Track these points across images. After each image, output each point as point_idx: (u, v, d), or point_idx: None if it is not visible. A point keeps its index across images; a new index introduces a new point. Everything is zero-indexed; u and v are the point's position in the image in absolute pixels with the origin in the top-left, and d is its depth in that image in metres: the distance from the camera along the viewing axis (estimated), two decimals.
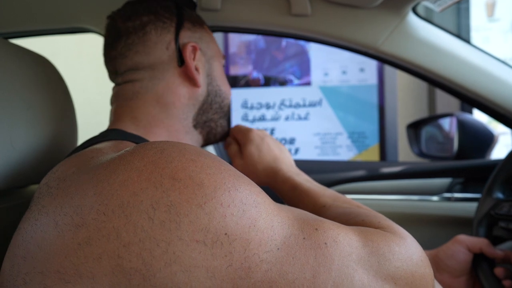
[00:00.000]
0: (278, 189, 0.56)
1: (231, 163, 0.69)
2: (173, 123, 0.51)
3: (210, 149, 1.00)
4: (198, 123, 0.54)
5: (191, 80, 0.52)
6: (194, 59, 0.52)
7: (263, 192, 0.32)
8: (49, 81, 0.52)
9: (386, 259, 0.33)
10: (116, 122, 0.50)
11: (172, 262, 0.27)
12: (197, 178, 0.29)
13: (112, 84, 0.55)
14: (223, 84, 0.57)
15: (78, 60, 1.67)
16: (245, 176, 0.32)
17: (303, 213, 0.34)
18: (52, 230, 0.29)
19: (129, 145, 0.42)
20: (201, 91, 0.53)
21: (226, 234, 0.28)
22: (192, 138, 0.54)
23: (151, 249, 0.27)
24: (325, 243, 0.31)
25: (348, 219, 0.42)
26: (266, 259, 0.28)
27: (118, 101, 0.51)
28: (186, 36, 0.52)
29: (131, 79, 0.51)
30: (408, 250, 0.35)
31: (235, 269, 0.28)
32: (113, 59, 0.52)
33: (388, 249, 0.34)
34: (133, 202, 0.28)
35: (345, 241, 0.32)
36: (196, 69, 0.52)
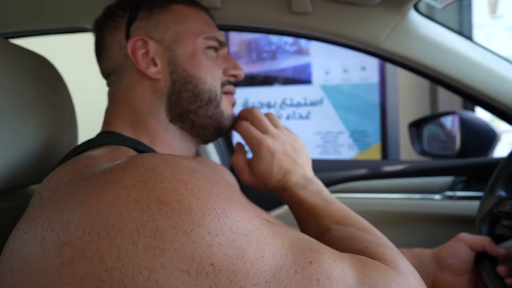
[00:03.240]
0: (287, 204, 0.53)
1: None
2: (148, 121, 0.49)
3: (214, 155, 0.99)
4: (174, 117, 0.50)
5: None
6: (147, 52, 0.48)
7: (258, 217, 0.30)
8: (49, 81, 0.52)
9: None
10: (106, 124, 0.51)
11: None
12: (186, 202, 0.27)
13: None
14: (197, 67, 0.49)
15: (78, 60, 1.67)
16: (240, 199, 0.30)
17: (300, 240, 0.32)
18: (38, 247, 0.28)
19: (124, 152, 0.41)
20: (164, 82, 0.49)
21: (212, 264, 0.27)
22: (175, 135, 0.50)
23: (133, 275, 0.26)
24: (318, 280, 0.29)
25: (351, 245, 0.40)
26: None
27: (108, 104, 0.53)
28: (136, 29, 0.49)
29: (108, 84, 0.53)
30: None
31: None
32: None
33: None
34: (119, 224, 0.27)
35: (339, 279, 0.30)
36: (153, 60, 0.49)
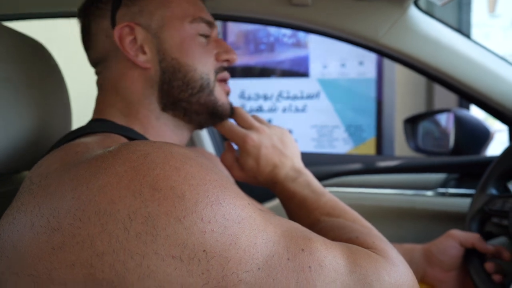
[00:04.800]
0: (278, 197, 0.53)
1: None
2: (140, 110, 0.47)
3: (209, 147, 0.99)
4: (166, 106, 0.48)
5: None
6: (135, 40, 0.46)
7: (251, 205, 0.30)
8: (43, 66, 0.51)
9: None
10: (97, 112, 0.49)
11: (145, 277, 0.26)
12: (178, 189, 0.27)
13: None
14: (186, 55, 0.47)
15: (73, 46, 1.64)
16: (233, 187, 0.30)
17: (292, 228, 0.33)
18: (28, 231, 0.28)
19: (116, 139, 0.41)
20: (154, 71, 0.47)
21: (204, 251, 0.27)
22: (167, 122, 0.49)
23: (125, 261, 0.26)
24: (310, 267, 0.30)
25: (341, 234, 0.40)
26: (245, 279, 0.27)
27: (98, 92, 0.51)
28: (122, 15, 0.46)
29: (97, 73, 0.51)
30: (398, 280, 0.33)
31: None
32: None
33: (376, 277, 0.32)
34: (110, 210, 0.27)
35: (331, 266, 0.31)
36: (142, 47, 0.46)
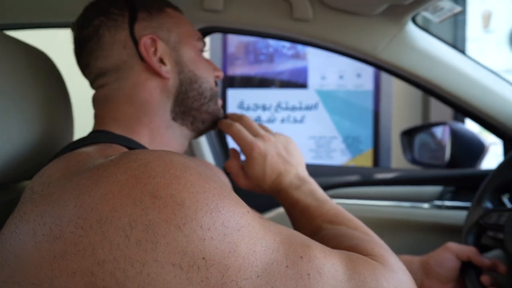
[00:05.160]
0: (282, 204, 0.54)
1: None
2: (152, 119, 0.49)
3: (209, 157, 1.00)
4: (177, 115, 0.51)
5: (158, 73, 0.49)
6: (156, 51, 0.49)
7: (250, 213, 0.31)
8: (46, 75, 0.51)
9: None
10: (99, 124, 0.49)
11: (146, 284, 0.26)
12: (178, 197, 0.28)
13: None
14: (198, 68, 0.52)
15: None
16: (232, 195, 0.31)
17: (291, 236, 0.33)
18: (30, 240, 0.28)
19: (117, 149, 0.41)
20: (172, 81, 0.50)
21: (203, 258, 0.27)
22: (174, 131, 0.51)
23: (125, 269, 0.26)
24: (308, 274, 0.30)
25: (342, 242, 0.40)
26: (244, 286, 0.28)
27: (96, 105, 0.51)
28: (141, 28, 0.49)
29: (100, 84, 0.50)
30: (397, 286, 0.33)
31: None
32: (82, 69, 0.52)
33: (375, 284, 0.32)
34: (112, 218, 0.27)
35: (329, 273, 0.31)
36: (162, 60, 0.49)
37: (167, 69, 0.49)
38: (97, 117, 0.51)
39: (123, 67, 0.49)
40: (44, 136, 0.49)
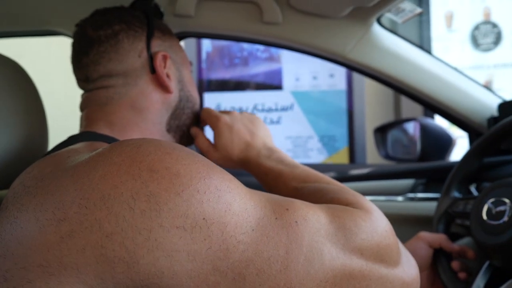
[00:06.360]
0: (253, 175, 0.57)
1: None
2: (148, 127, 0.53)
3: None
4: (171, 128, 0.56)
5: (163, 87, 0.54)
6: (165, 67, 0.54)
7: (235, 179, 0.34)
8: (18, 83, 0.50)
9: (352, 233, 0.35)
10: (90, 125, 0.51)
11: (154, 248, 0.28)
12: (173, 168, 0.30)
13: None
14: (193, 90, 0.59)
15: (46, 62, 1.61)
16: (217, 165, 0.34)
17: (274, 196, 0.36)
18: (33, 226, 0.29)
19: (103, 145, 0.42)
20: (174, 96, 0.55)
21: (204, 218, 0.29)
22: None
23: (134, 237, 0.28)
24: (296, 222, 0.33)
25: (319, 197, 0.44)
26: (242, 240, 0.30)
27: (91, 106, 0.52)
28: (157, 44, 0.55)
29: (104, 85, 0.52)
30: (373, 223, 0.37)
31: (214, 251, 0.29)
32: (84, 66, 0.52)
33: (354, 224, 0.36)
34: (114, 194, 0.29)
35: (313, 219, 0.34)
36: (168, 76, 0.54)
37: (172, 84, 0.55)
38: (88, 118, 0.52)
39: (133, 74, 0.52)
40: (18, 146, 0.48)
